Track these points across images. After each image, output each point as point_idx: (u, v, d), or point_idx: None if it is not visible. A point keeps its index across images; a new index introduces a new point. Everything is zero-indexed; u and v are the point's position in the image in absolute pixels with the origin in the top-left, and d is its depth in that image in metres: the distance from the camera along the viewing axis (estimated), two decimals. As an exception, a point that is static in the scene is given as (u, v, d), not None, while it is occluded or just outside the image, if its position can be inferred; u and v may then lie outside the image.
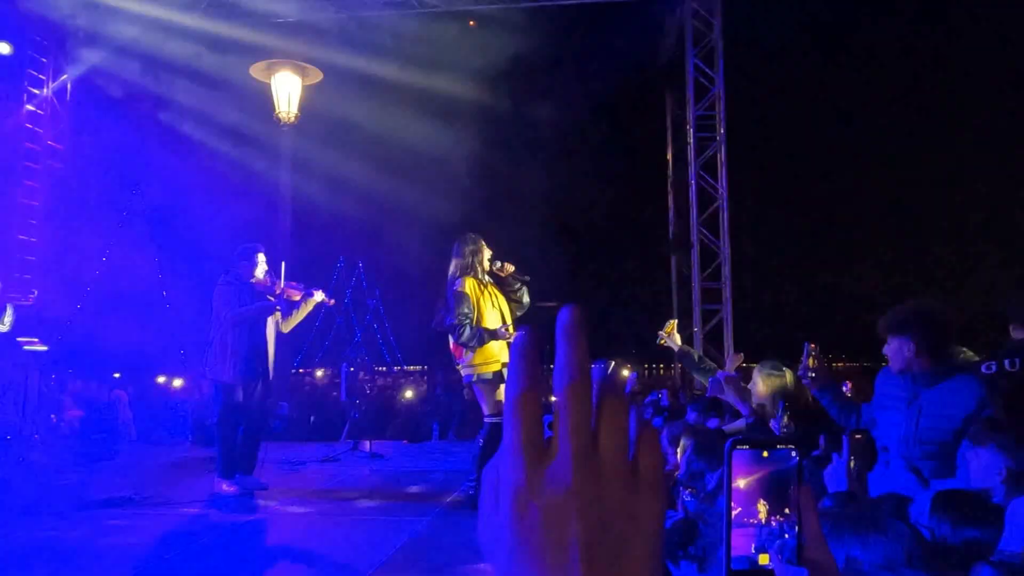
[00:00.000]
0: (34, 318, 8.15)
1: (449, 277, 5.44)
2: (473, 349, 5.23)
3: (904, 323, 2.75)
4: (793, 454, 1.02)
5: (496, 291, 5.51)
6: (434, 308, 5.65)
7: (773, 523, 1.01)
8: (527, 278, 5.59)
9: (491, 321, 5.31)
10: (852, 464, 1.95)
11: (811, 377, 3.09)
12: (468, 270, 5.36)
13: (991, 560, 1.66)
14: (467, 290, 5.26)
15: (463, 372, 5.41)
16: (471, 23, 10.57)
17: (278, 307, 5.90)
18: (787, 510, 1.01)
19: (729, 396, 3.59)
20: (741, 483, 1.03)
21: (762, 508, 1.02)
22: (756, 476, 1.02)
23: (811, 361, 3.07)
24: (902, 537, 1.36)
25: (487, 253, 5.46)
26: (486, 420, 5.40)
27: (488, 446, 5.35)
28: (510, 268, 5.49)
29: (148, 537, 4.70)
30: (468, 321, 5.20)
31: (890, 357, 2.81)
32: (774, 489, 1.02)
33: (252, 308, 5.86)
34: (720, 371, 4.06)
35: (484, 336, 5.24)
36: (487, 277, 5.46)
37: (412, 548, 4.33)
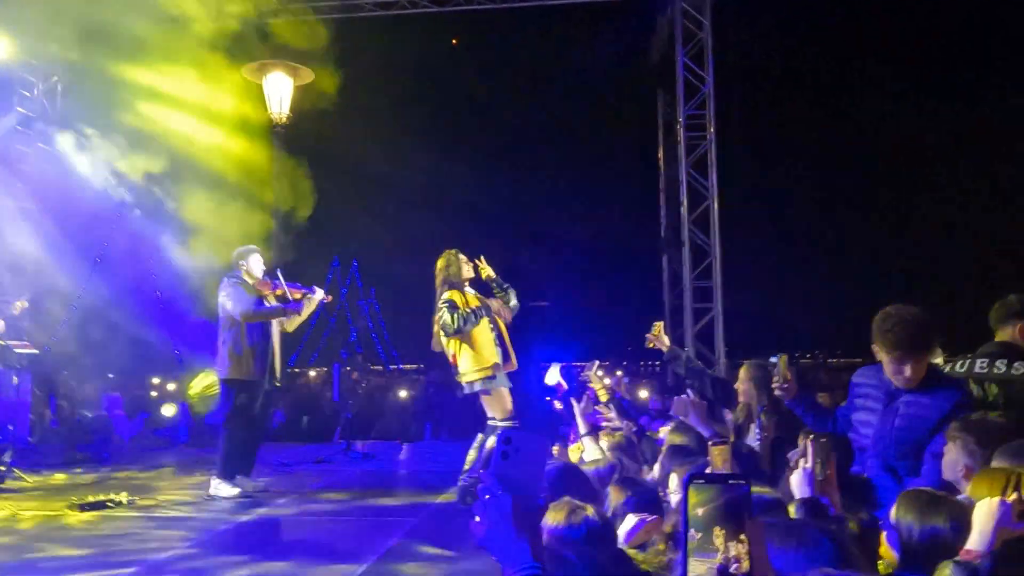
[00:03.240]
0: (27, 321, 8.16)
1: (437, 295, 5.57)
2: (469, 329, 5.33)
3: (929, 338, 2.70)
4: (743, 484, 1.06)
5: (482, 299, 5.61)
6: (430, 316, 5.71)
7: (731, 550, 1.05)
8: (507, 285, 5.72)
9: (481, 330, 5.42)
10: (817, 469, 1.98)
11: (784, 388, 3.09)
12: (450, 283, 5.51)
13: (956, 560, 1.69)
14: (452, 297, 5.41)
15: (465, 382, 5.45)
16: (454, 41, 10.65)
17: (294, 311, 5.97)
18: (742, 536, 1.05)
19: (693, 420, 3.66)
20: (700, 511, 1.07)
21: (719, 534, 1.06)
22: (714, 504, 1.07)
23: (784, 373, 3.07)
24: (818, 544, 1.40)
25: (465, 266, 5.60)
26: (504, 424, 5.31)
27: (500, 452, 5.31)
28: (488, 271, 5.68)
29: (143, 537, 4.72)
30: (458, 315, 5.31)
31: (902, 375, 2.71)
32: (731, 516, 1.06)
33: (270, 308, 5.92)
34: (685, 396, 4.13)
35: (476, 313, 5.35)
36: (470, 289, 5.61)
37: (403, 547, 4.36)
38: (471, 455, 5.50)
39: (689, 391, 4.55)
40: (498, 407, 5.41)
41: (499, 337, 5.52)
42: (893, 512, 1.88)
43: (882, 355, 2.77)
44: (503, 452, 1.15)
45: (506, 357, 5.50)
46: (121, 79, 9.17)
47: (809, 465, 1.98)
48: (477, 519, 1.15)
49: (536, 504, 1.14)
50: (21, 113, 9.50)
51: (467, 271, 5.62)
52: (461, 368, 5.46)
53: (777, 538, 1.34)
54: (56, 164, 9.80)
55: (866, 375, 2.92)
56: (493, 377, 5.37)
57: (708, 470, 2.60)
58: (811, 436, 2.09)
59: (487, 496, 1.14)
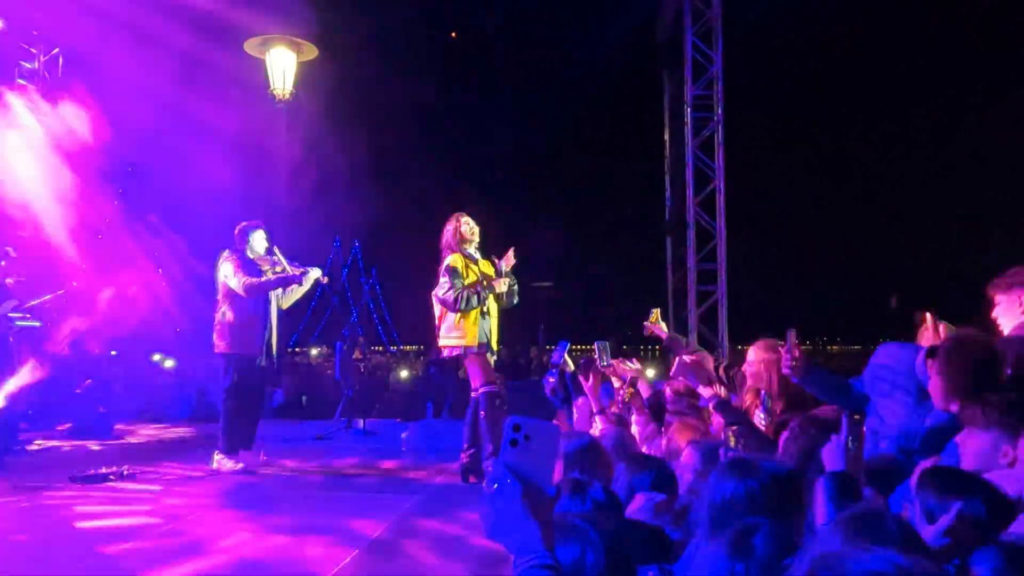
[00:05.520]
0: (27, 294, 8.11)
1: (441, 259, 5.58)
2: (470, 311, 5.32)
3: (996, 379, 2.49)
4: None
5: (483, 269, 5.56)
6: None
7: None
8: (514, 283, 5.62)
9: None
10: (850, 445, 1.94)
11: (792, 367, 2.98)
12: (451, 247, 5.50)
13: (997, 541, 1.64)
14: (453, 263, 5.40)
15: (450, 344, 5.45)
16: (452, 35, 10.56)
17: (295, 282, 5.95)
18: None
19: (691, 380, 3.60)
20: None
21: None
22: None
23: (793, 348, 2.97)
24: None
25: (468, 229, 5.53)
26: (482, 390, 5.40)
27: (489, 416, 5.33)
28: (499, 290, 5.52)
29: (144, 510, 4.72)
30: (462, 290, 5.30)
31: (945, 407, 2.55)
32: None
33: (271, 280, 5.87)
34: (685, 354, 4.08)
35: (480, 294, 5.32)
36: (475, 253, 5.56)
37: (404, 523, 4.36)
38: (466, 432, 5.51)
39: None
40: (478, 373, 5.41)
41: (488, 318, 5.50)
42: (915, 490, 1.84)
43: (936, 380, 2.58)
44: (512, 440, 1.12)
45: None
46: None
47: (843, 439, 1.94)
48: (485, 509, 1.11)
49: (547, 494, 1.11)
50: (21, 84, 9.39)
51: (468, 234, 5.53)
52: (442, 331, 5.47)
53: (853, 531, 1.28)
54: (55, 135, 9.71)
55: (895, 358, 2.81)
56: (472, 348, 5.39)
57: (722, 449, 2.57)
58: (845, 411, 2.04)
59: (495, 485, 1.10)
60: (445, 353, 5.57)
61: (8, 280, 7.72)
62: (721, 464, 1.80)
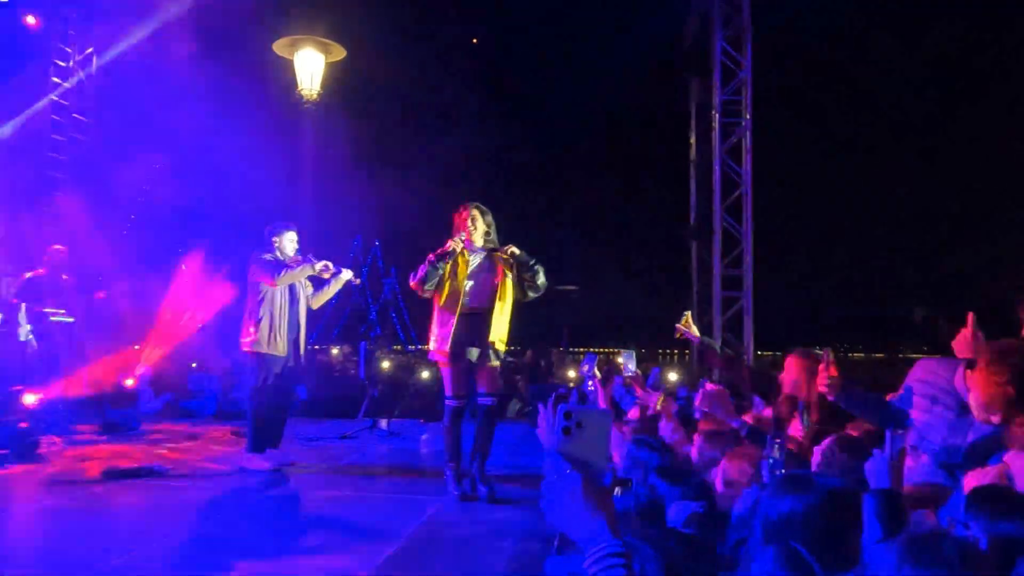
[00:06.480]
0: (60, 289, 8.24)
1: None
2: (431, 279, 5.05)
3: None
4: None
5: (490, 263, 5.20)
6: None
7: None
8: (532, 259, 5.11)
9: (450, 288, 5.08)
10: (894, 461, 1.93)
11: (827, 385, 2.92)
12: (453, 235, 5.20)
13: None
14: (437, 251, 5.13)
15: (430, 348, 5.23)
16: (474, 40, 10.58)
17: (326, 283, 5.95)
18: None
19: (718, 412, 3.58)
20: None
21: None
22: None
23: (829, 367, 2.91)
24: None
25: (471, 220, 5.17)
26: (446, 402, 5.16)
27: (451, 430, 5.12)
28: (511, 250, 5.11)
29: (174, 508, 4.77)
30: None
31: (986, 419, 2.55)
32: None
33: (295, 268, 5.82)
34: (708, 383, 4.03)
35: (434, 264, 5.06)
36: (478, 247, 5.21)
37: (432, 525, 4.37)
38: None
39: (707, 381, 4.46)
40: (445, 384, 5.16)
41: (477, 318, 5.09)
42: (964, 510, 1.82)
43: (975, 392, 2.46)
44: (565, 427, 1.10)
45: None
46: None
47: (888, 455, 1.92)
48: (547, 499, 1.09)
49: (603, 482, 1.10)
50: (56, 82, 9.55)
51: (461, 225, 5.18)
52: (431, 337, 5.21)
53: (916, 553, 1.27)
54: (90, 133, 9.87)
55: (935, 374, 2.77)
56: (441, 356, 5.09)
57: (766, 462, 2.54)
58: (888, 427, 2.02)
59: (554, 476, 1.08)
60: (429, 357, 5.31)
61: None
62: (776, 479, 1.79)
